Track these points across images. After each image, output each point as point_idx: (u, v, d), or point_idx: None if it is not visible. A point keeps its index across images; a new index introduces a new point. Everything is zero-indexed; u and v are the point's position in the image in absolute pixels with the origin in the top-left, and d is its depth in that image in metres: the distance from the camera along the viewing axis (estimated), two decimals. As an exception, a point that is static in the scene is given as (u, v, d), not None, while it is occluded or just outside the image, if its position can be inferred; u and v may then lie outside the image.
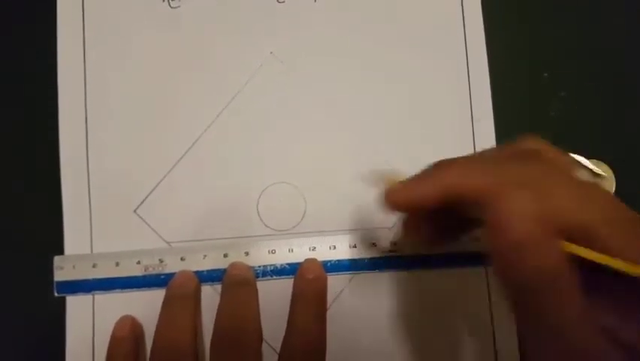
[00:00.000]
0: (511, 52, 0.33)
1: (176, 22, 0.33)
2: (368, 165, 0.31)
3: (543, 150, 0.22)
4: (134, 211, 0.31)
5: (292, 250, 0.31)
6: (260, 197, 0.31)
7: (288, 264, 0.30)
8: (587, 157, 0.32)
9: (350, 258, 0.31)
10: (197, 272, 0.30)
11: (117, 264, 0.30)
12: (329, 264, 0.30)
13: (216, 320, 0.28)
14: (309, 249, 0.31)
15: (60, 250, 0.30)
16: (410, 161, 0.26)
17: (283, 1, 0.33)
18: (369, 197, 0.30)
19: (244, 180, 0.31)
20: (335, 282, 0.31)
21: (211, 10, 0.33)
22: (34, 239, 0.31)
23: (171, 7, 0.33)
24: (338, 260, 0.30)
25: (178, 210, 0.31)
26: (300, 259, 0.30)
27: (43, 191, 0.31)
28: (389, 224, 0.31)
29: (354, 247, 0.31)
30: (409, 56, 0.33)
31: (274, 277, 0.30)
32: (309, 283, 0.29)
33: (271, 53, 0.33)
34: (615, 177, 0.32)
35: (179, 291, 0.29)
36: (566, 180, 0.20)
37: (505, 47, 0.33)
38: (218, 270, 0.30)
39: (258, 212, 0.31)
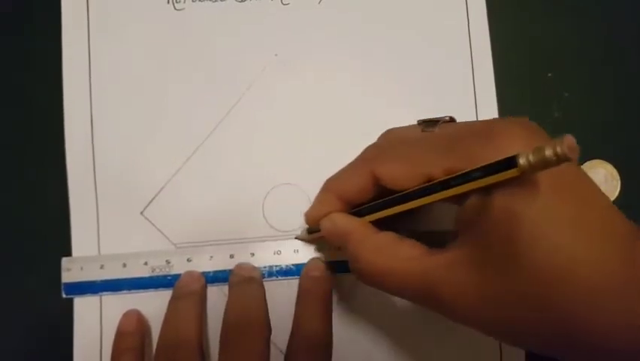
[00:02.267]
0: (515, 52, 0.33)
1: (181, 24, 0.33)
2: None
3: None
4: (141, 213, 0.31)
5: (297, 251, 0.31)
6: (265, 198, 0.31)
7: (294, 265, 0.31)
8: (591, 158, 0.32)
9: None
10: (203, 273, 0.30)
11: (124, 265, 0.30)
12: (335, 265, 0.30)
13: (225, 315, 0.28)
14: (315, 250, 0.31)
15: (68, 252, 0.31)
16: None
17: (288, 3, 0.33)
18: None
19: (250, 181, 0.31)
20: (340, 282, 0.31)
21: (216, 12, 0.33)
22: (41, 241, 0.31)
23: (176, 9, 0.33)
24: (343, 261, 0.31)
25: (184, 212, 0.31)
26: (306, 260, 0.30)
27: (50, 193, 0.31)
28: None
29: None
30: (413, 57, 0.33)
31: (280, 277, 0.31)
32: (314, 282, 0.30)
33: (276, 55, 0.33)
34: (620, 177, 0.32)
35: (185, 290, 0.30)
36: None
37: (509, 47, 0.33)
38: (225, 271, 0.30)
39: (263, 213, 0.31)
